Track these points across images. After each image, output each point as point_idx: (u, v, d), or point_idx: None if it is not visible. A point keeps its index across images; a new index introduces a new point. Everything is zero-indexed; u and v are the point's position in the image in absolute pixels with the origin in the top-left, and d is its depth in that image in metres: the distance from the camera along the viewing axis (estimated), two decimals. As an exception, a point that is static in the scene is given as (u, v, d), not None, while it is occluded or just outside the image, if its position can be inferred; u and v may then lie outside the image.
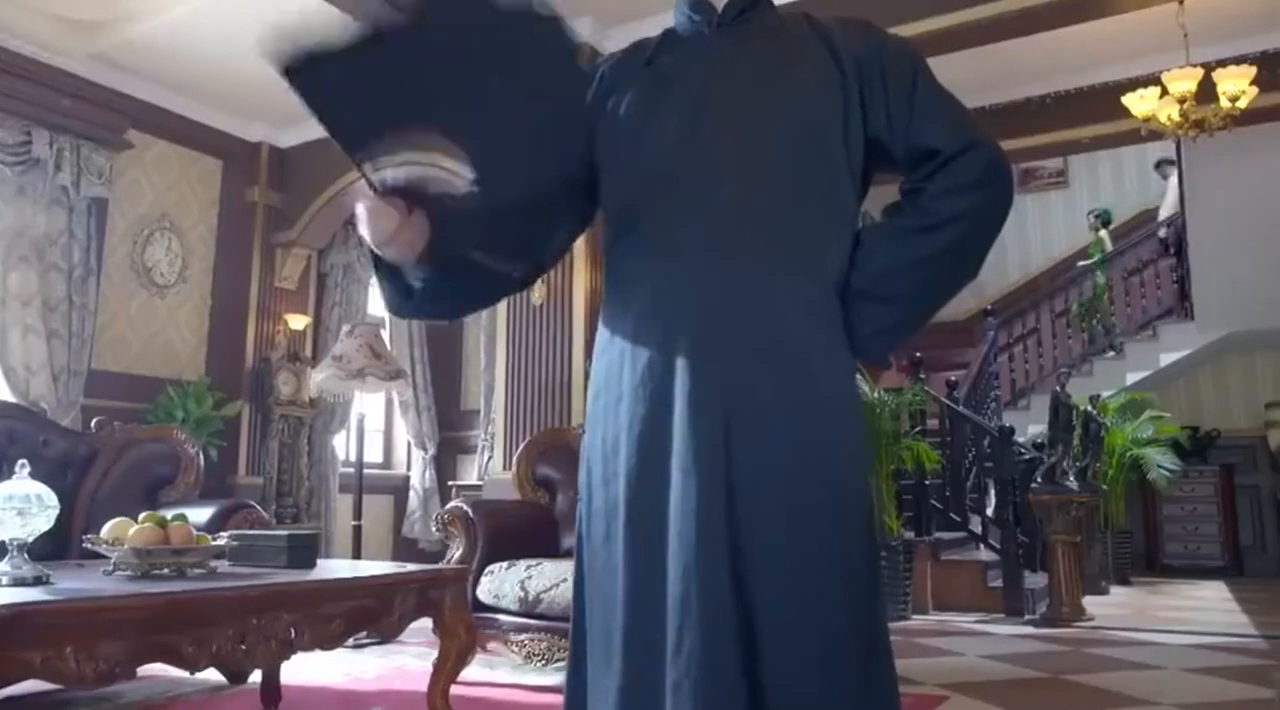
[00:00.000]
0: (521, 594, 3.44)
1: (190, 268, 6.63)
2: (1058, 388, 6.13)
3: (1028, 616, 5.53)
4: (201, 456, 4.12)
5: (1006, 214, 1.26)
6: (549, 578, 3.40)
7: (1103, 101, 5.83)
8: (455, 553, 3.74)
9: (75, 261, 5.75)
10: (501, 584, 3.52)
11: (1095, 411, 7.07)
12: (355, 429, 5.03)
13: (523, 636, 3.45)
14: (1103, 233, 9.35)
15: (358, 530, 4.76)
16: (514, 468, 4.14)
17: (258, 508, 3.86)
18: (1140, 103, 4.93)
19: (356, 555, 4.80)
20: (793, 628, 1.08)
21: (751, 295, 1.18)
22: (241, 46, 5.65)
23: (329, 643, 2.44)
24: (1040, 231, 10.82)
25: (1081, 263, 8.99)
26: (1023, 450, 6.26)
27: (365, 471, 7.58)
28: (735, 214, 1.20)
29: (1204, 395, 8.87)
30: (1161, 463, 7.35)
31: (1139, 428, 7.62)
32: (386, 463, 8.16)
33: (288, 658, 2.32)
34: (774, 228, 1.20)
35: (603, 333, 1.29)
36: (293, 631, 2.29)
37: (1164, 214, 9.21)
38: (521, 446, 4.23)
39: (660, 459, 1.15)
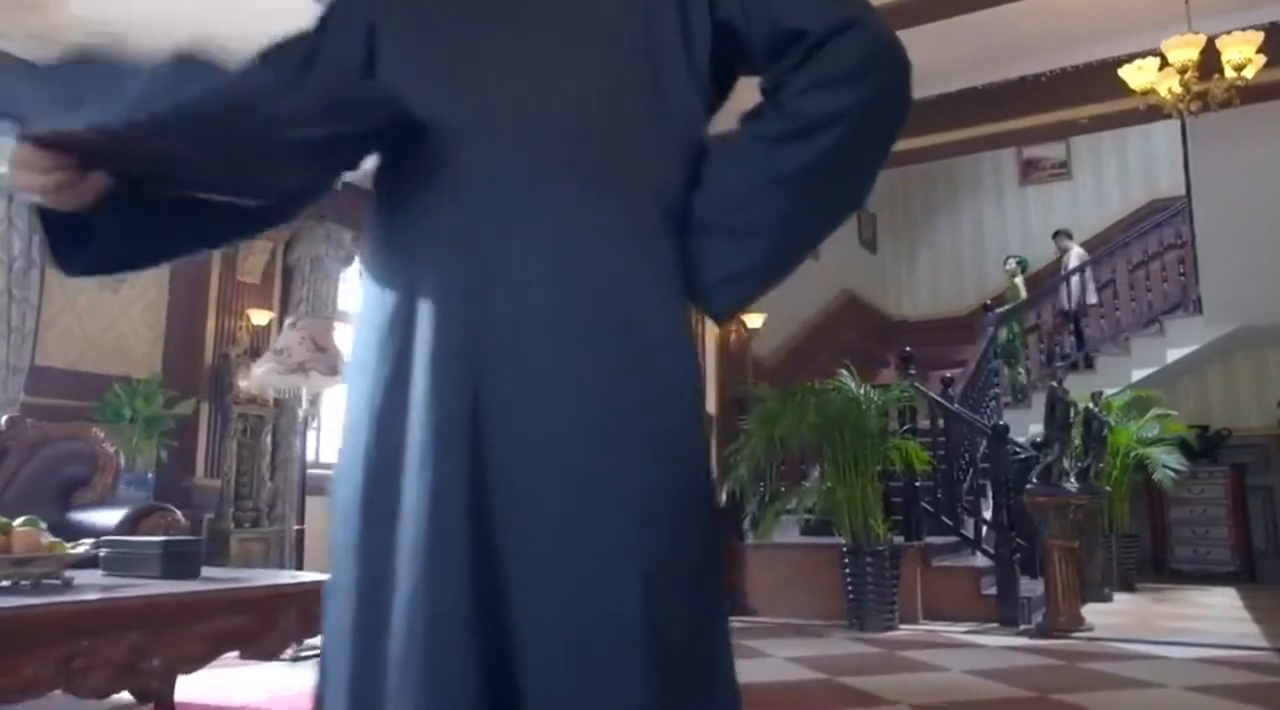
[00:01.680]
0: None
1: (146, 261, 6.36)
2: (1054, 383, 5.79)
3: (1023, 626, 5.21)
4: (121, 457, 3.84)
5: (901, 116, 0.93)
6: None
7: (1102, 79, 5.49)
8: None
9: (15, 253, 5.46)
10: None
11: (1098, 409, 6.73)
12: (301, 427, 4.73)
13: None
14: (1018, 280, 9.13)
15: (300, 535, 4.46)
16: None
17: (174, 511, 3.58)
18: (1138, 74, 4.58)
19: (299, 564, 4.50)
20: (568, 678, 0.77)
21: (538, 217, 0.86)
22: (196, 27, 5.37)
23: (188, 665, 2.14)
24: (1043, 225, 10.44)
25: (999, 310, 8.78)
26: (1018, 449, 5.92)
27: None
28: (523, 115, 0.90)
29: (1213, 393, 8.51)
30: (1167, 463, 6.99)
31: (1144, 426, 7.27)
32: (360, 464, 7.86)
33: (127, 684, 2.01)
34: (575, 133, 0.89)
35: (360, 285, 0.98)
36: (139, 654, 1.98)
37: (1068, 292, 9.06)
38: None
39: (400, 441, 0.84)
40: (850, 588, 5.30)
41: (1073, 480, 5.51)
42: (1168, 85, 4.48)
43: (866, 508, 5.35)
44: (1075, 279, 8.95)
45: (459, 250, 0.86)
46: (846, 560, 5.34)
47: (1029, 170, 10.71)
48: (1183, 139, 8.05)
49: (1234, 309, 7.71)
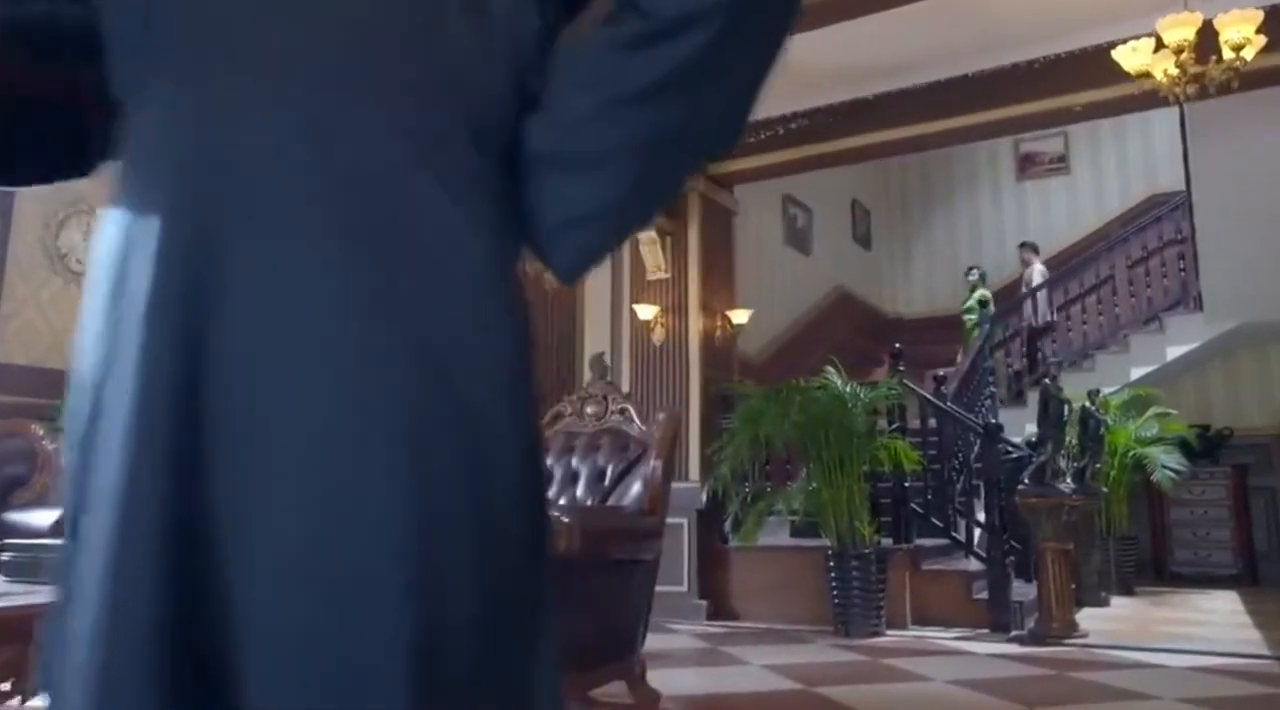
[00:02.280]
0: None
1: (113, 255, 6.19)
2: (1047, 380, 5.60)
3: (1014, 632, 5.01)
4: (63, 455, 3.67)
5: (783, 19, 0.74)
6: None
7: (1097, 64, 5.29)
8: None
9: (-28, 244, 5.30)
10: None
11: (1095, 408, 6.54)
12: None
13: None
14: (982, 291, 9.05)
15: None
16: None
17: (112, 512, 3.40)
18: (1132, 56, 4.38)
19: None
20: (303, 696, 0.60)
21: (298, 144, 0.67)
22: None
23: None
24: (1042, 222, 10.26)
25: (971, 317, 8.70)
26: (1010, 449, 5.73)
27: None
28: (290, 15, 0.70)
29: (1214, 391, 8.31)
30: (1166, 463, 6.79)
31: (1143, 425, 7.07)
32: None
33: (7, 700, 1.83)
34: (360, 41, 0.69)
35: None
36: (14, 670, 1.80)
37: (1033, 311, 8.93)
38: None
39: (104, 406, 0.66)
40: (835, 592, 5.11)
41: (1068, 480, 5.32)
42: (1163, 68, 4.29)
43: (852, 509, 5.17)
44: (1038, 296, 8.84)
45: (193, 181, 0.67)
46: (832, 563, 5.15)
47: (1026, 165, 10.52)
48: (1182, 132, 7.87)
49: (1235, 305, 7.52)
